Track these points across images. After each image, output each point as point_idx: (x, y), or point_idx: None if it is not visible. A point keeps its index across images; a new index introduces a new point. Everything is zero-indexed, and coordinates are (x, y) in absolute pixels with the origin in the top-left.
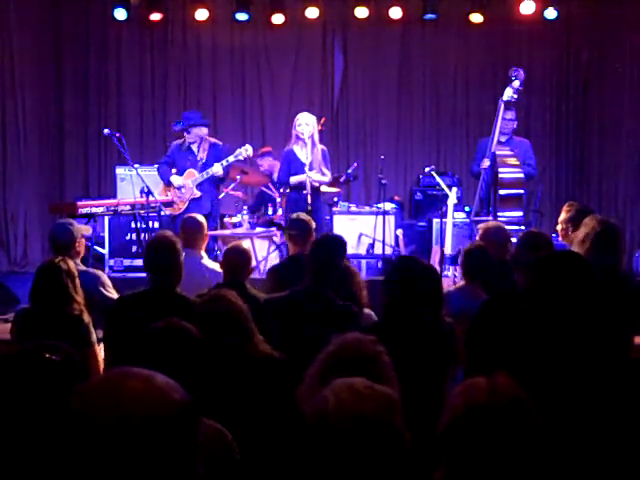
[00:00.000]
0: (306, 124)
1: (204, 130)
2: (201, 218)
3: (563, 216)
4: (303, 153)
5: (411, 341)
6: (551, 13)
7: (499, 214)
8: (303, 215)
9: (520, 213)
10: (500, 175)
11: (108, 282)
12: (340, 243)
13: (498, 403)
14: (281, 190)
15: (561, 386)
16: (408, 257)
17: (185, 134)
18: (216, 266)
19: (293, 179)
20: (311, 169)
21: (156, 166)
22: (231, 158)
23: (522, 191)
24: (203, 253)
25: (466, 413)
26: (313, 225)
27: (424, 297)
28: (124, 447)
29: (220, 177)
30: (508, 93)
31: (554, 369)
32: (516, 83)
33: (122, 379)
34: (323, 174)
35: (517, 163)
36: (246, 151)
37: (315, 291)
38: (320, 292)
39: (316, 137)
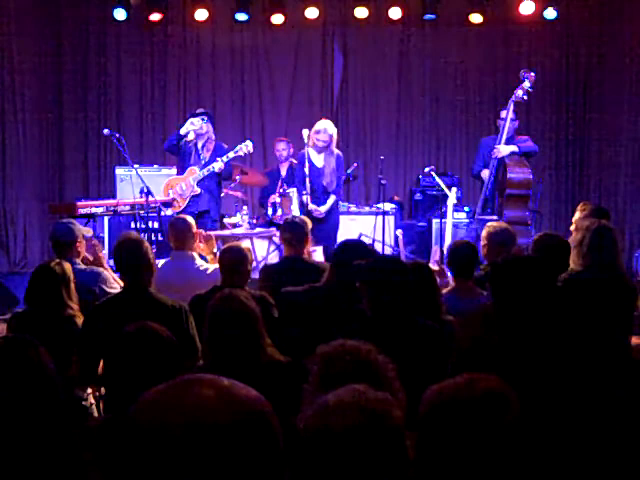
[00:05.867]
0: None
1: (204, 127)
2: (189, 219)
3: (577, 215)
4: (317, 158)
5: (396, 339)
6: (550, 13)
7: (505, 212)
8: (299, 218)
9: (525, 213)
10: (509, 175)
11: (109, 278)
12: (366, 251)
13: (471, 395)
14: (280, 190)
15: (559, 389)
16: (392, 258)
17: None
18: (209, 267)
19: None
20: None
21: (156, 166)
22: (231, 154)
23: (529, 191)
24: (195, 254)
25: (439, 402)
26: (309, 228)
27: (415, 296)
28: (196, 461)
29: (221, 174)
30: (518, 94)
31: (548, 374)
32: (526, 84)
33: (190, 386)
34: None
35: (525, 164)
36: (246, 147)
37: (335, 291)
38: (340, 292)
39: (332, 145)
